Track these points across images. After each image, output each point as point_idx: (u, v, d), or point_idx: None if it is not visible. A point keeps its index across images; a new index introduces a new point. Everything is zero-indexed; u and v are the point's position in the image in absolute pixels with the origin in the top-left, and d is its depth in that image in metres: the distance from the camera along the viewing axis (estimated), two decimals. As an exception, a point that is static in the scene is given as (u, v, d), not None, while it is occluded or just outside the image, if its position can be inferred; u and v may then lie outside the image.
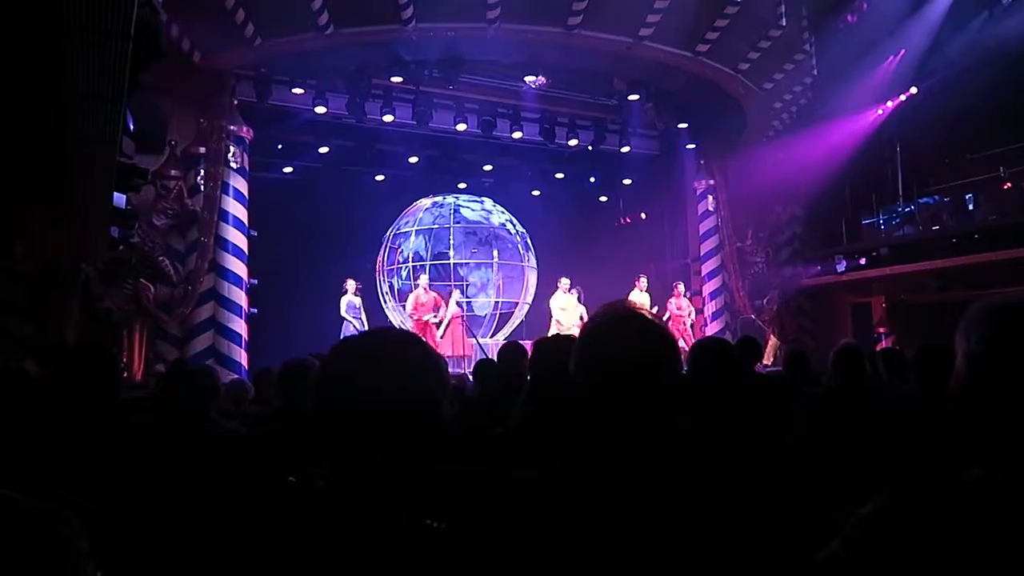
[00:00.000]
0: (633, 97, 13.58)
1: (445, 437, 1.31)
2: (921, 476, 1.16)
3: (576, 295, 13.87)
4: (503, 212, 15.89)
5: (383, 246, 15.36)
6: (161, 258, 11.25)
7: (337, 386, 1.29)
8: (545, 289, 14.72)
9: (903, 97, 14.32)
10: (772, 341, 14.55)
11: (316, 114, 12.56)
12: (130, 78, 4.56)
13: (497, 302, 15.22)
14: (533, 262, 15.64)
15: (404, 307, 13.63)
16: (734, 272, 15.32)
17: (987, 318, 1.15)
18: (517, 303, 15.43)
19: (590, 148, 14.98)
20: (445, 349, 12.46)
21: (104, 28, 3.87)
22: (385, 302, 14.85)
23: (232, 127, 11.87)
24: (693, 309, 14.77)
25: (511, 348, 4.34)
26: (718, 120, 14.34)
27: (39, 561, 0.86)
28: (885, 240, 14.70)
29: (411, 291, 13.70)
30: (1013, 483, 1.07)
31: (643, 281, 14.31)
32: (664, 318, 14.28)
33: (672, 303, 14.44)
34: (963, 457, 1.17)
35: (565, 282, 13.80)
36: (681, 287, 14.77)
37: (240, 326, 11.86)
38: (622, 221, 18.81)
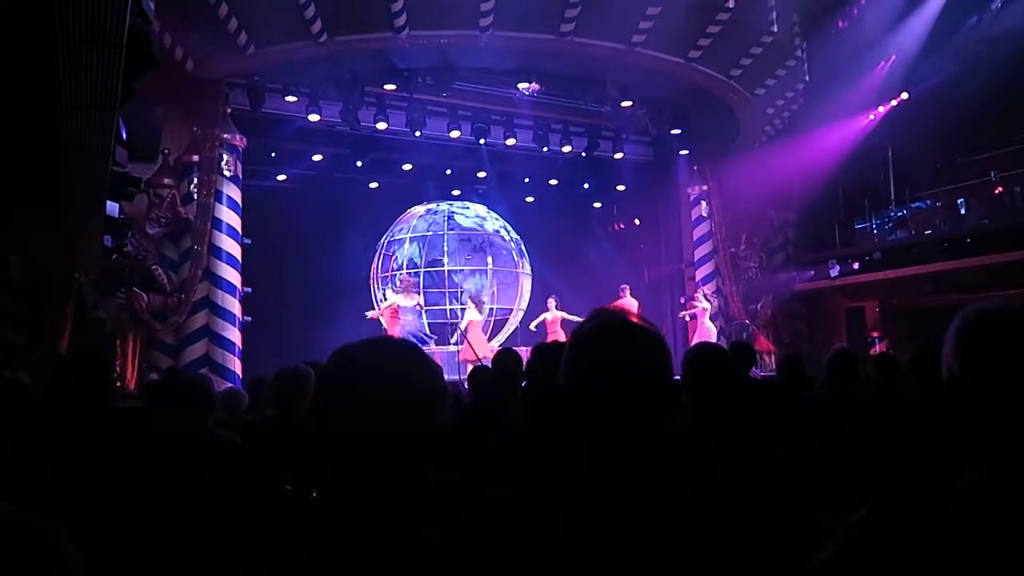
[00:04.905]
0: (626, 103, 13.62)
1: (442, 443, 1.32)
2: (914, 481, 1.17)
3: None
4: (497, 219, 15.91)
5: (377, 253, 15.36)
6: (154, 267, 11.22)
7: (336, 392, 1.29)
8: (540, 294, 14.73)
9: (894, 102, 14.39)
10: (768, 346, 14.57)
11: (309, 122, 12.58)
12: (123, 87, 4.56)
13: (492, 308, 15.22)
14: (528, 268, 15.65)
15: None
16: (728, 277, 15.36)
17: (960, 328, 1.17)
18: (512, 310, 15.42)
19: (584, 154, 15.05)
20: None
21: (97, 37, 3.87)
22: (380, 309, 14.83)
23: (225, 135, 11.86)
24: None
25: (506, 355, 4.33)
26: (711, 126, 14.40)
27: (30, 572, 0.86)
28: (878, 244, 14.76)
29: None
30: (1001, 488, 1.08)
31: (551, 302, 13.83)
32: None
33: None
34: (956, 459, 1.18)
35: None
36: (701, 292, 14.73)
37: (234, 334, 11.83)
38: (616, 227, 18.85)
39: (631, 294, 13.94)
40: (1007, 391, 1.10)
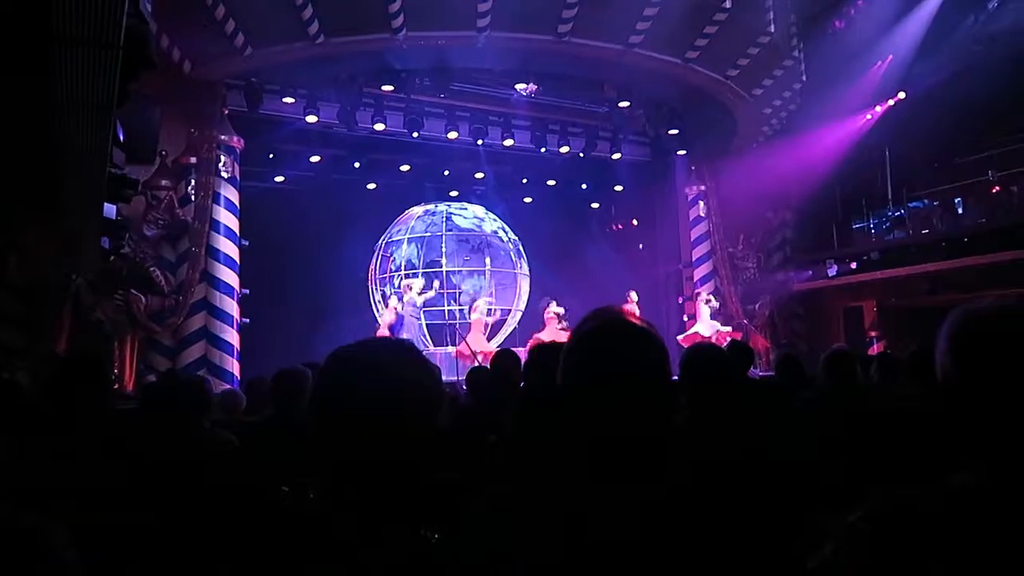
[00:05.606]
0: (624, 104, 13.62)
1: (441, 443, 1.32)
2: (909, 481, 1.17)
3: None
4: (495, 219, 15.89)
5: (375, 255, 15.34)
6: (152, 268, 11.20)
7: (335, 393, 1.30)
8: (538, 294, 14.71)
9: (891, 102, 14.41)
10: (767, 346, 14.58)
11: (307, 123, 12.55)
12: (120, 88, 4.55)
13: (490, 309, 15.21)
14: (526, 269, 15.64)
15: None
16: (726, 277, 15.35)
17: (953, 327, 1.17)
18: (510, 310, 15.41)
19: (581, 155, 15.04)
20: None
21: (94, 38, 3.87)
22: (378, 311, 14.81)
23: (223, 137, 11.85)
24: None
25: (505, 356, 4.34)
26: (708, 126, 14.40)
27: (28, 573, 0.85)
28: (876, 244, 14.78)
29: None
30: (997, 487, 1.09)
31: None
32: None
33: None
34: (953, 458, 1.18)
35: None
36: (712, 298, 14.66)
37: (232, 336, 11.81)
38: (614, 227, 18.86)
39: (637, 302, 13.87)
40: (1001, 389, 1.10)
